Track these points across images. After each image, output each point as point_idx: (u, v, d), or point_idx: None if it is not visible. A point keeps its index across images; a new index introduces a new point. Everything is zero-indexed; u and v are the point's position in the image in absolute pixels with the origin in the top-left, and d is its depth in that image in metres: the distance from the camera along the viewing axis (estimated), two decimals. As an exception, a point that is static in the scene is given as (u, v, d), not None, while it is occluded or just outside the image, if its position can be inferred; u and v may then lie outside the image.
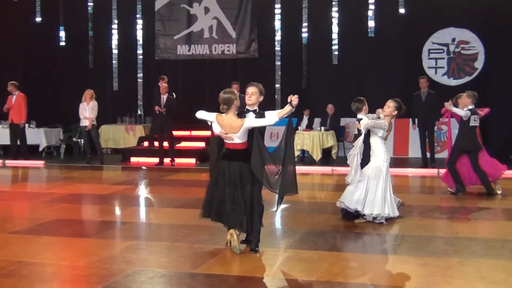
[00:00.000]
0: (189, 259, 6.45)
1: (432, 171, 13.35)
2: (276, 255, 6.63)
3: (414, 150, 15.27)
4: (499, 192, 10.08)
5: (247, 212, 6.57)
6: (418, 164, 13.91)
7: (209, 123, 6.87)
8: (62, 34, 18.59)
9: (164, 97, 14.96)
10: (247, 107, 6.79)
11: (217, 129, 6.73)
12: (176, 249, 6.85)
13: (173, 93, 15.31)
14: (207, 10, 17.55)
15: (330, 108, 15.45)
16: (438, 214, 8.79)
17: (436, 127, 13.87)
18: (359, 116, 8.33)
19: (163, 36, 18.02)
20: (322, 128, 15.08)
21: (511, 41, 15.31)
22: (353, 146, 8.29)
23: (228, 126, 6.59)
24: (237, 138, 6.58)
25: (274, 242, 7.27)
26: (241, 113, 6.71)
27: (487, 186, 10.06)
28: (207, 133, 16.38)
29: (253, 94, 6.79)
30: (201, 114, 6.97)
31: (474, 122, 10.15)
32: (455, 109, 10.14)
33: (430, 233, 7.48)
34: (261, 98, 6.86)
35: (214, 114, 6.75)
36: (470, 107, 10.17)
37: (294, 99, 6.60)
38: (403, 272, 5.97)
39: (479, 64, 15.97)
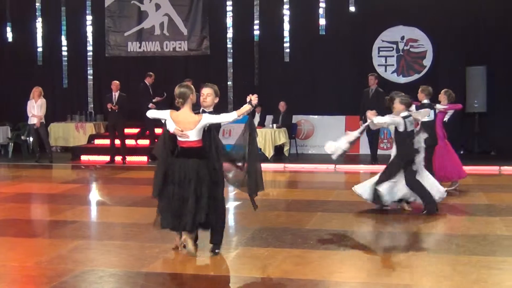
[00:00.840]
0: (139, 257, 6.39)
1: (381, 168, 13.47)
2: (227, 252, 6.62)
3: (365, 147, 15.48)
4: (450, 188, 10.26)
5: (206, 211, 6.23)
6: (367, 161, 14.04)
7: (163, 121, 6.58)
8: (9, 30, 18.19)
9: (115, 95, 14.80)
10: (202, 108, 6.63)
11: (171, 127, 6.39)
12: (126, 248, 6.79)
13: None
14: (158, 6, 17.41)
15: (282, 106, 15.51)
16: (388, 209, 8.88)
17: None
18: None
19: (113, 32, 17.81)
20: (274, 125, 15.13)
21: (458, 39, 15.64)
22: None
23: (184, 122, 6.30)
24: (192, 136, 6.30)
25: (226, 239, 7.23)
26: (196, 113, 6.48)
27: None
28: (159, 130, 16.45)
29: (208, 95, 6.64)
30: (152, 113, 6.79)
31: (428, 118, 10.16)
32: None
33: (379, 229, 7.60)
34: (217, 100, 6.72)
35: (167, 111, 6.48)
36: (425, 101, 10.34)
37: (253, 98, 6.53)
38: (351, 268, 6.04)
39: (427, 61, 16.26)
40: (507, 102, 15.10)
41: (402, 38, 16.41)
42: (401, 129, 8.32)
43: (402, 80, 16.42)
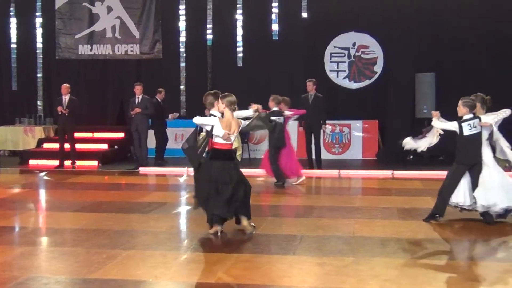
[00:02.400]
0: (86, 264, 6.29)
1: (333, 172, 13.64)
2: (176, 258, 6.57)
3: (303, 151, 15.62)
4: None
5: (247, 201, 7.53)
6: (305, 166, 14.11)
7: (207, 128, 7.38)
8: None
9: (66, 98, 14.59)
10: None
11: (220, 132, 7.24)
12: (73, 254, 6.68)
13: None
14: (109, 9, 17.24)
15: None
16: (337, 214, 8.97)
17: (322, 130, 14.05)
18: None
19: (64, 35, 17.56)
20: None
21: (408, 46, 15.90)
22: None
23: (232, 126, 7.32)
24: (233, 138, 7.39)
25: (175, 245, 7.22)
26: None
27: (278, 177, 11.46)
28: (110, 134, 16.41)
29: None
30: (200, 120, 7.53)
31: (278, 120, 11.36)
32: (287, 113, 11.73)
33: (329, 233, 7.64)
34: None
35: (216, 118, 7.40)
36: (275, 108, 11.57)
37: (259, 108, 7.92)
38: (300, 272, 6.06)
39: (378, 68, 16.51)
40: (455, 108, 15.28)
41: (354, 44, 16.62)
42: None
43: (353, 85, 16.63)
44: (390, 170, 13.44)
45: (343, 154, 16.25)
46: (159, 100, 15.23)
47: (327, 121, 14.19)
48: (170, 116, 15.07)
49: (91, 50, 17.48)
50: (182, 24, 16.93)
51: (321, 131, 14.06)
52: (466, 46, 15.57)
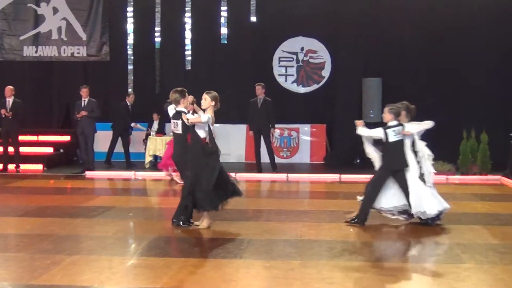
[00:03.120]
0: (29, 269, 6.17)
1: (281, 176, 13.70)
2: (122, 263, 6.50)
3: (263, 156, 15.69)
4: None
5: None
6: (268, 170, 14.14)
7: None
8: None
9: (10, 100, 14.27)
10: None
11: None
12: (16, 260, 6.54)
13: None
14: (55, 10, 16.90)
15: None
16: (284, 217, 9.02)
17: (271, 133, 14.12)
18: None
19: (8, 36, 17.12)
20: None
21: (355, 51, 16.10)
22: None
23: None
24: None
25: (121, 250, 7.14)
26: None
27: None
28: (55, 138, 16.12)
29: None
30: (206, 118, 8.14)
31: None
32: None
33: (276, 237, 7.67)
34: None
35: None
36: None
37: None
38: (246, 276, 6.07)
39: (326, 72, 16.66)
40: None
41: (302, 49, 16.74)
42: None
43: (302, 90, 16.74)
44: (338, 173, 13.59)
45: (291, 158, 16.35)
46: (128, 104, 15.08)
47: (276, 125, 14.25)
48: (132, 124, 14.93)
49: (36, 51, 17.10)
50: (130, 27, 16.70)
51: (270, 135, 14.11)
52: (412, 52, 15.86)
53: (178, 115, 8.32)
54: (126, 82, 16.70)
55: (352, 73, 15.94)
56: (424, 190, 8.20)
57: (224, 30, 16.42)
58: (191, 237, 7.84)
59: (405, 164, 8.26)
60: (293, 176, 13.74)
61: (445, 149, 13.80)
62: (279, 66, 16.82)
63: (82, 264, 6.38)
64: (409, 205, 8.13)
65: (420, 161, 8.39)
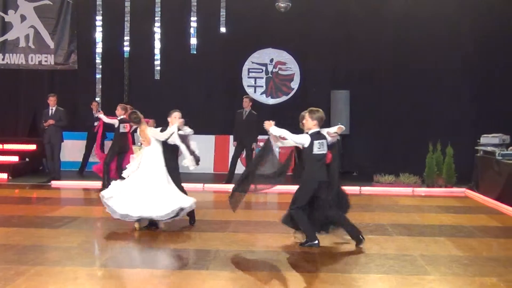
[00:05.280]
0: (-8, 281, 6.07)
1: (250, 187, 13.65)
2: (87, 274, 6.43)
3: (222, 166, 15.72)
4: None
5: None
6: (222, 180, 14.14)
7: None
8: None
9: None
10: None
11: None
12: (-22, 271, 6.42)
13: None
14: (23, 18, 16.73)
15: (151, 124, 15.29)
16: (252, 228, 9.03)
17: (252, 146, 14.16)
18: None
19: (-26, 43, 16.92)
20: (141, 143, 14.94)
21: (323, 64, 16.26)
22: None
23: None
24: None
25: (86, 260, 7.05)
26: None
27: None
28: (21, 146, 15.90)
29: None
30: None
31: (124, 129, 12.74)
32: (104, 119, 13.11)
33: (243, 248, 7.68)
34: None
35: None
36: (122, 116, 12.71)
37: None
38: (213, 287, 6.05)
39: (295, 84, 16.76)
40: (367, 125, 15.85)
41: (271, 60, 16.83)
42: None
43: (270, 101, 16.81)
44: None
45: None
46: (94, 112, 15.08)
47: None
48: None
49: (3, 59, 16.87)
50: (98, 35, 16.58)
51: (253, 147, 14.16)
52: (380, 65, 16.07)
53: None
54: (94, 91, 16.58)
55: (321, 85, 16.06)
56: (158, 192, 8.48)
57: (193, 41, 16.41)
58: (158, 248, 7.80)
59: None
60: (261, 187, 13.70)
61: (412, 162, 14.02)
62: (248, 77, 16.88)
63: (46, 275, 6.30)
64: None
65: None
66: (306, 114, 7.98)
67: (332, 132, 7.98)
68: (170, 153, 8.88)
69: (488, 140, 13.25)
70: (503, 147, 12.86)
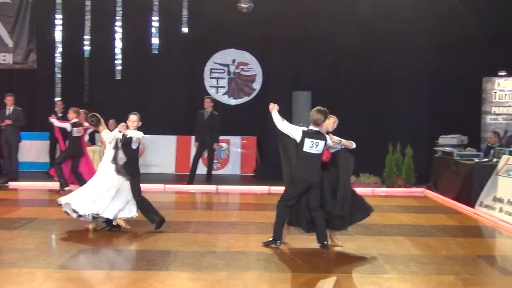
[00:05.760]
0: None
1: (211, 188, 13.68)
2: (44, 275, 6.33)
3: (183, 167, 15.67)
4: None
5: None
6: (201, 181, 14.07)
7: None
8: None
9: None
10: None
11: None
12: None
13: None
14: (-20, 16, 16.43)
15: (111, 124, 15.17)
16: (213, 229, 9.01)
17: (214, 147, 14.12)
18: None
19: None
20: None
21: (285, 65, 16.30)
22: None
23: None
24: None
25: (43, 262, 6.93)
26: None
27: (80, 183, 11.54)
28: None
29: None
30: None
31: (77, 133, 12.50)
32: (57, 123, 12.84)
33: (204, 248, 7.65)
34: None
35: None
36: (74, 120, 12.53)
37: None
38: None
39: (257, 85, 16.79)
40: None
41: (234, 61, 16.82)
42: (135, 146, 8.63)
43: (233, 102, 16.81)
44: (267, 185, 13.67)
45: (222, 169, 16.34)
46: (57, 112, 14.85)
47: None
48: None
49: (-40, 57, 16.55)
50: (58, 34, 16.35)
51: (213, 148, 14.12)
52: (342, 66, 16.21)
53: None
54: (54, 91, 16.35)
55: (283, 86, 16.10)
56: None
57: (155, 40, 16.32)
58: (117, 249, 7.73)
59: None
60: (223, 188, 13.74)
61: (372, 162, 14.13)
62: (211, 78, 16.85)
63: (2, 277, 6.18)
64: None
65: None
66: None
67: (335, 138, 7.91)
68: (134, 158, 8.72)
69: (447, 141, 13.48)
70: (461, 147, 13.10)
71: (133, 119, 8.60)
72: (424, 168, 14.05)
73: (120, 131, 8.54)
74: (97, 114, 9.04)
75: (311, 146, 7.68)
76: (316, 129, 7.79)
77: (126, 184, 8.59)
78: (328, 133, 7.93)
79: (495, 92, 15.02)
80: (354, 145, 7.97)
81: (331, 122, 8.06)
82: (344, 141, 7.91)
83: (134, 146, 8.53)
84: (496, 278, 6.78)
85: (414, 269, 6.87)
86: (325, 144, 7.75)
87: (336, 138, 7.89)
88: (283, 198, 7.89)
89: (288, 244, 7.93)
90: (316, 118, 7.75)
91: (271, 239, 7.89)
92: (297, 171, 7.78)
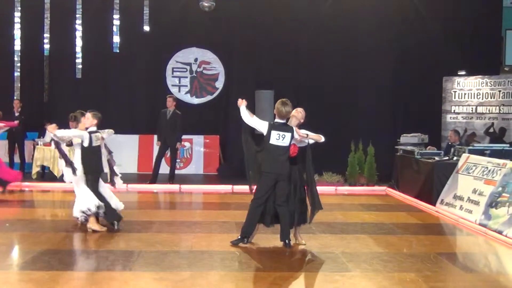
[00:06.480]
0: None
1: (174, 187, 13.61)
2: (4, 277, 6.21)
3: (145, 166, 15.59)
4: None
5: None
6: (164, 180, 13.99)
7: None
8: None
9: None
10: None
11: None
12: None
13: None
14: None
15: (72, 124, 14.98)
16: (176, 228, 8.96)
17: (177, 146, 14.05)
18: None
19: None
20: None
21: (248, 64, 16.34)
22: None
23: None
24: None
25: (3, 264, 6.81)
26: None
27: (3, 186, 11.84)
28: None
29: None
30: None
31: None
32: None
33: (167, 248, 7.60)
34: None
35: None
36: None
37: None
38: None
39: (219, 84, 16.77)
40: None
41: (196, 60, 16.77)
42: (86, 143, 8.62)
43: (195, 101, 16.76)
44: (230, 184, 13.65)
45: (185, 168, 16.27)
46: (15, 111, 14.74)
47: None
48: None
49: None
50: (17, 32, 16.08)
51: (177, 146, 14.03)
52: (304, 65, 16.28)
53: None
54: (12, 90, 16.06)
55: (245, 84, 16.09)
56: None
57: (116, 39, 16.17)
58: (79, 250, 7.64)
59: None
60: (186, 187, 13.68)
61: (334, 161, 14.23)
62: (173, 77, 16.77)
63: (-40, 280, 6.05)
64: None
65: None
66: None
67: (301, 131, 7.80)
68: (87, 156, 8.69)
69: (408, 140, 13.65)
70: (422, 146, 13.27)
71: (88, 115, 8.84)
72: (386, 167, 14.19)
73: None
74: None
75: (278, 139, 7.66)
76: (282, 121, 7.76)
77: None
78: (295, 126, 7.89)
79: (455, 91, 15.29)
80: (323, 139, 7.93)
81: (300, 114, 7.99)
82: (311, 135, 7.86)
83: (85, 144, 8.63)
84: (457, 275, 6.88)
85: (377, 266, 6.93)
86: (292, 136, 7.71)
87: (303, 131, 7.83)
88: (255, 196, 7.84)
89: (251, 243, 7.92)
90: (282, 111, 7.74)
91: (239, 237, 7.88)
92: (264, 164, 7.75)
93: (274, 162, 7.68)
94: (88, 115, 8.73)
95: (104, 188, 8.94)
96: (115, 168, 9.34)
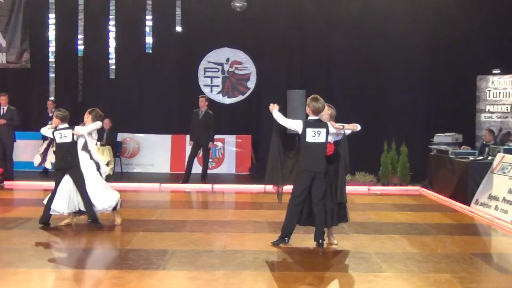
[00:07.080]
0: None
1: (207, 187, 13.67)
2: (41, 275, 6.30)
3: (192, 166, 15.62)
4: None
5: None
6: (197, 180, 14.04)
7: None
8: None
9: None
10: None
11: None
12: None
13: None
14: (-27, 15, 16.34)
15: (106, 123, 15.15)
16: (209, 228, 8.99)
17: (209, 146, 14.11)
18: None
19: None
20: (98, 143, 14.70)
21: (280, 64, 16.34)
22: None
23: None
24: None
25: (40, 262, 6.90)
26: None
27: None
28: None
29: None
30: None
31: None
32: None
33: (200, 247, 7.64)
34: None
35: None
36: None
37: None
38: (169, 287, 6.00)
39: (251, 84, 16.79)
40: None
41: (228, 60, 16.82)
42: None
43: (227, 101, 16.81)
44: (262, 184, 13.60)
45: (217, 168, 16.33)
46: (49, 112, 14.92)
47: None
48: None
49: (-47, 57, 16.47)
50: (51, 34, 16.30)
51: (209, 146, 14.10)
52: (336, 65, 16.24)
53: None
54: (48, 90, 16.31)
55: (277, 84, 16.12)
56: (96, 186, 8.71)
57: (149, 40, 16.29)
58: (113, 248, 7.71)
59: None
60: (218, 187, 13.73)
61: (367, 161, 14.15)
62: (205, 77, 16.84)
63: None
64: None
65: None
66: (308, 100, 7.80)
67: (337, 124, 7.75)
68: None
69: (441, 139, 13.49)
70: (456, 146, 13.11)
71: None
72: (419, 167, 14.06)
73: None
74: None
75: (313, 136, 7.61)
76: (316, 117, 7.73)
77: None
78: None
79: (489, 90, 15.09)
80: (359, 127, 7.87)
81: (331, 110, 7.93)
82: (347, 125, 7.80)
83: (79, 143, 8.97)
84: (493, 276, 6.79)
85: (411, 267, 6.88)
86: (327, 132, 7.66)
87: (338, 124, 7.78)
88: (292, 195, 7.81)
89: (284, 243, 7.91)
90: (317, 106, 7.69)
91: (279, 238, 7.86)
92: (301, 162, 7.70)
93: (311, 160, 7.64)
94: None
95: (91, 184, 8.82)
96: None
